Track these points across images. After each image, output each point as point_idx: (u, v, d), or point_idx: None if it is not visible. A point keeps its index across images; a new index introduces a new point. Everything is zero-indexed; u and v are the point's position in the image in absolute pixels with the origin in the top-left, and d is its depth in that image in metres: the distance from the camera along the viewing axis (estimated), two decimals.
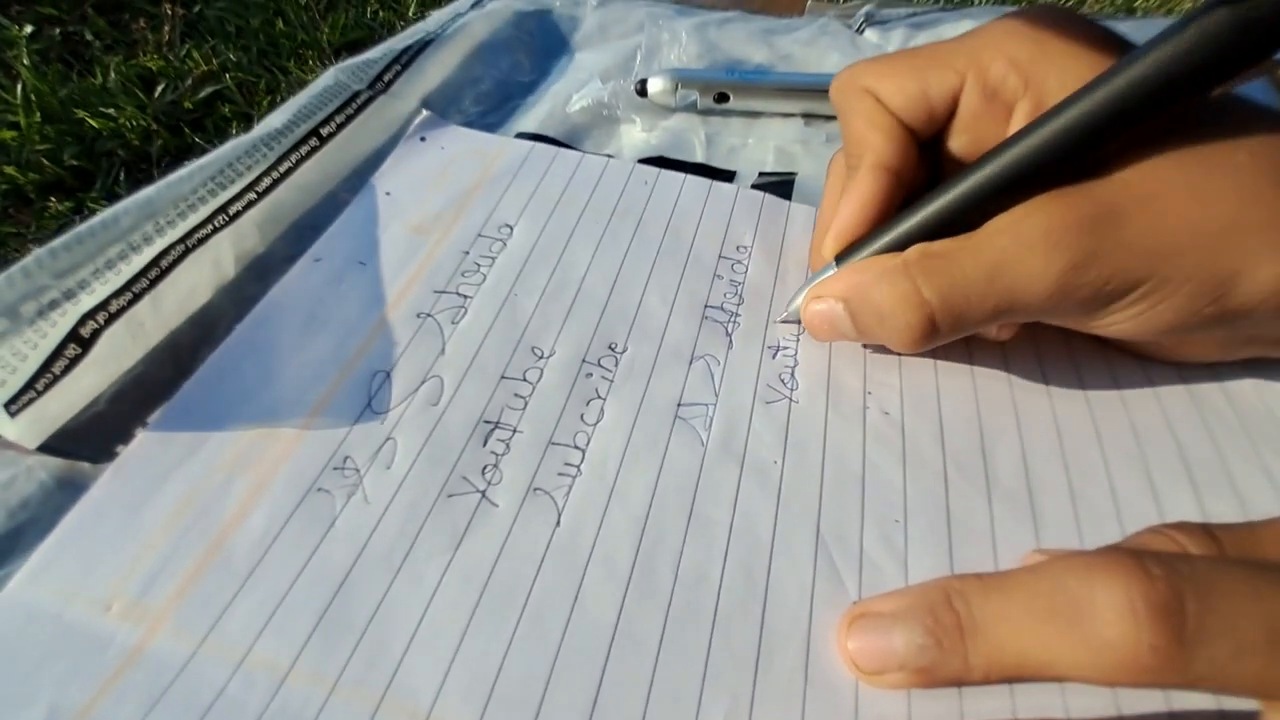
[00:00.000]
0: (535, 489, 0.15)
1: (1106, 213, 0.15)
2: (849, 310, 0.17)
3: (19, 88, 0.80)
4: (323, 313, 0.18)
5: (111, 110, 0.83)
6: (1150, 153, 0.15)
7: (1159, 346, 0.18)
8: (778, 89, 0.29)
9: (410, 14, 1.01)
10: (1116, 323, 0.16)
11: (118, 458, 0.15)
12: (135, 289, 0.18)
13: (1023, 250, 0.15)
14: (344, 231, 0.20)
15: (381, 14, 1.03)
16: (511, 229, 0.21)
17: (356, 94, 0.27)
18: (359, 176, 0.24)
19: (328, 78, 0.27)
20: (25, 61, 0.82)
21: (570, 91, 0.30)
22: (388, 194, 0.22)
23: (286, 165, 0.23)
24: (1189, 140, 0.15)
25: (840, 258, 0.18)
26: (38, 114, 0.81)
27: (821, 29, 0.36)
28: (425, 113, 0.25)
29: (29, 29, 0.87)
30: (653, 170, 0.24)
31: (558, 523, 0.15)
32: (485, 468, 0.16)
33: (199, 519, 0.14)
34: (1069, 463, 0.17)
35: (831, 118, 0.30)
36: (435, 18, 0.34)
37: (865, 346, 0.19)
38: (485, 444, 0.16)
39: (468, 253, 0.20)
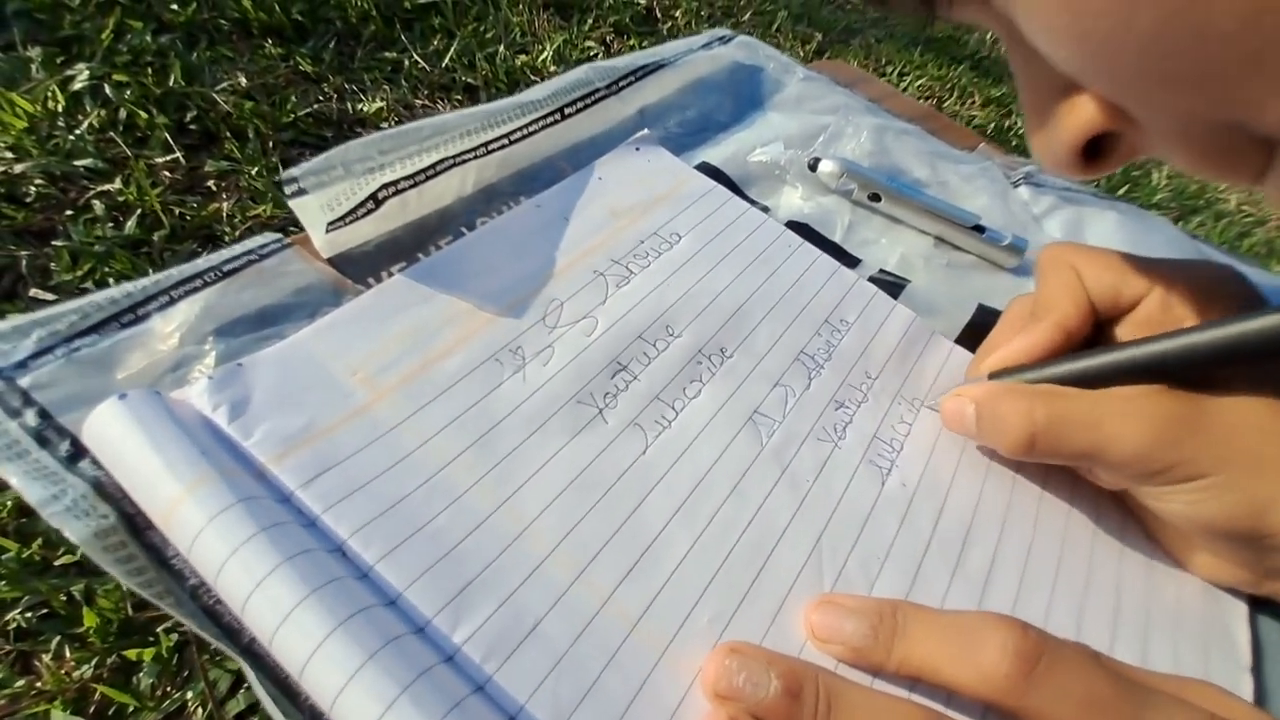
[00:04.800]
0: (636, 423, 0.21)
1: (1194, 419, 0.19)
2: (978, 411, 0.22)
3: None
4: (531, 244, 0.25)
5: None
6: (1241, 387, 0.19)
7: (1199, 561, 0.22)
8: (923, 208, 0.34)
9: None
10: (1172, 501, 0.20)
11: (378, 284, 0.22)
12: (415, 179, 0.25)
13: (1124, 419, 0.19)
14: (563, 192, 0.27)
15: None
16: (680, 238, 0.27)
17: (596, 89, 0.33)
18: (576, 152, 0.30)
19: (581, 71, 0.34)
20: None
21: (754, 142, 0.35)
22: (600, 179, 0.28)
23: (533, 128, 0.30)
24: (1271, 389, 0.19)
25: (993, 375, 0.23)
26: None
27: (983, 170, 0.40)
28: (646, 131, 0.31)
29: None
30: (797, 238, 0.29)
31: (644, 452, 0.20)
32: (607, 394, 0.21)
33: (420, 343, 0.21)
34: (1024, 579, 0.21)
35: (957, 247, 0.34)
36: (671, 47, 0.40)
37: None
38: (612, 378, 0.22)
39: (643, 242, 0.26)
